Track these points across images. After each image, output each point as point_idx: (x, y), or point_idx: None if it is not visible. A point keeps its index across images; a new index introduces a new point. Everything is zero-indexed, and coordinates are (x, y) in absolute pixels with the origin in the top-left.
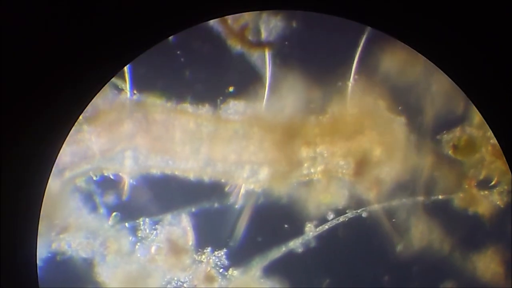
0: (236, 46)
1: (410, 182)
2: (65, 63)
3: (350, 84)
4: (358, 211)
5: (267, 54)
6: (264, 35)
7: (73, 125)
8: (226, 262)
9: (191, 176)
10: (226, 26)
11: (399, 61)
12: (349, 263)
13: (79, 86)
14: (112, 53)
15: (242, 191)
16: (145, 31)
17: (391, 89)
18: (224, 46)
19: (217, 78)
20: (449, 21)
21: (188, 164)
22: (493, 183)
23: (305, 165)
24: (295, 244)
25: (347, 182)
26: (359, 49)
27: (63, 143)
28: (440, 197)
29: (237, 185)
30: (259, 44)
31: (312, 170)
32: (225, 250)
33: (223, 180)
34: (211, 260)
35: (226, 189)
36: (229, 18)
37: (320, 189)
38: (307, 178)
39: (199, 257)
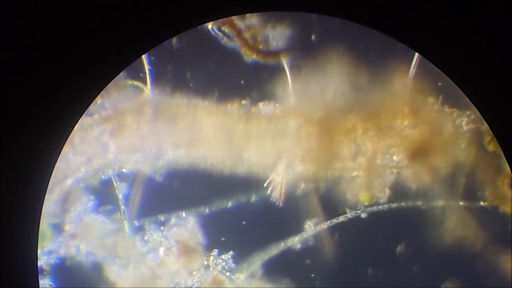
0: (250, 56)
1: (450, 176)
2: (65, 60)
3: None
4: (358, 212)
5: (284, 59)
6: (277, 42)
7: (74, 125)
8: (233, 265)
9: (222, 171)
10: (240, 37)
11: None
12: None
13: (77, 86)
14: (116, 50)
15: (283, 186)
16: (143, 33)
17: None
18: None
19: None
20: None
21: (217, 159)
22: None
23: (346, 159)
24: (295, 242)
25: (389, 177)
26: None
27: (65, 142)
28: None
29: (274, 180)
30: (274, 53)
31: (352, 164)
32: (231, 252)
33: (257, 176)
34: (218, 263)
35: (264, 184)
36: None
37: (360, 184)
38: (346, 173)
39: (206, 260)
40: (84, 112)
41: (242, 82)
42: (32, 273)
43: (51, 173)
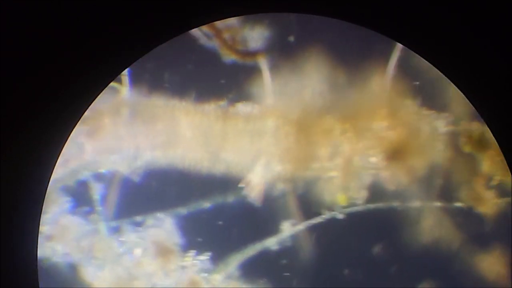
0: (229, 56)
1: (427, 177)
2: (65, 60)
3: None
4: (335, 213)
5: (262, 60)
6: (255, 43)
7: (74, 126)
8: (210, 266)
9: (200, 171)
10: (220, 37)
11: None
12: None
13: (77, 86)
14: (116, 50)
15: (261, 187)
16: (143, 33)
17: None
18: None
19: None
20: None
21: (194, 160)
22: (495, 182)
23: (323, 160)
24: (272, 242)
25: (367, 178)
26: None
27: (65, 142)
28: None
29: (252, 180)
30: (253, 53)
31: (329, 165)
32: (209, 253)
33: (235, 176)
34: (195, 263)
35: (241, 185)
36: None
37: (337, 185)
38: (324, 173)
39: (184, 261)
40: (84, 112)
41: (221, 82)
42: (32, 273)
43: (51, 173)
